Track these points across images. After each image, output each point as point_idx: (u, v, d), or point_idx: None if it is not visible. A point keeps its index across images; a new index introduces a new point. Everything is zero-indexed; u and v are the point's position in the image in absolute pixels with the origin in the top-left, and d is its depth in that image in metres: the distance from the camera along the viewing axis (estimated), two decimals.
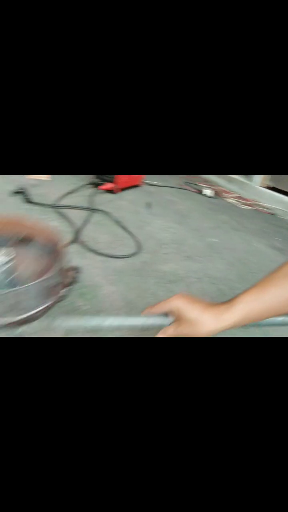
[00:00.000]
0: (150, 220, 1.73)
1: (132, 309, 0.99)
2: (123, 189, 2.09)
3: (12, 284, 0.38)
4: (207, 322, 0.38)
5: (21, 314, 0.35)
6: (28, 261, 0.49)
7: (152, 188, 2.37)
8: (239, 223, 2.09)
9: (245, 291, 0.39)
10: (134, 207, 1.88)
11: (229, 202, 2.59)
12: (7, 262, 0.36)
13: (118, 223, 1.55)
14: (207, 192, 2.59)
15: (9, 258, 0.36)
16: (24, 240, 0.50)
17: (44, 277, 0.35)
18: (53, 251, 0.50)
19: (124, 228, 1.51)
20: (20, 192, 1.59)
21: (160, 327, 0.43)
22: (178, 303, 0.41)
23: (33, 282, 0.34)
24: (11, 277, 0.38)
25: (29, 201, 1.55)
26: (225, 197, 2.68)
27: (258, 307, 0.37)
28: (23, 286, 0.32)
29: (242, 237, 1.84)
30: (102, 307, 0.96)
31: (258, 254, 1.65)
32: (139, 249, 1.35)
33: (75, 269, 1.10)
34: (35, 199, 1.57)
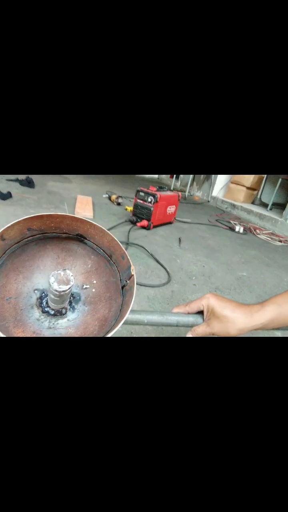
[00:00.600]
0: (181, 253, 1.86)
1: (160, 334, 1.07)
2: (156, 226, 2.28)
3: (67, 299, 0.40)
4: (239, 320, 0.38)
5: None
6: (84, 257, 0.47)
7: (183, 225, 2.53)
8: (270, 259, 2.11)
9: (278, 294, 0.39)
10: (166, 242, 2.03)
11: (260, 239, 2.63)
12: (68, 289, 0.35)
13: (151, 255, 1.69)
14: (238, 228, 2.67)
15: (68, 286, 0.35)
16: (78, 237, 0.47)
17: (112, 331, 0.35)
18: (115, 259, 0.46)
19: (156, 260, 1.65)
20: None
21: (192, 326, 0.43)
22: (210, 301, 0.41)
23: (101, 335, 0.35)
24: (67, 297, 0.39)
25: None
26: (257, 234, 2.73)
27: None
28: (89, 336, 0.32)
29: (272, 272, 1.86)
30: (134, 330, 1.06)
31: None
32: (169, 279, 1.46)
33: None
34: None
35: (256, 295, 1.50)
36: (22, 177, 2.70)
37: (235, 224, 2.81)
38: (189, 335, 0.43)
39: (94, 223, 0.45)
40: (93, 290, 0.46)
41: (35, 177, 2.83)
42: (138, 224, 2.13)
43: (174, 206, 2.42)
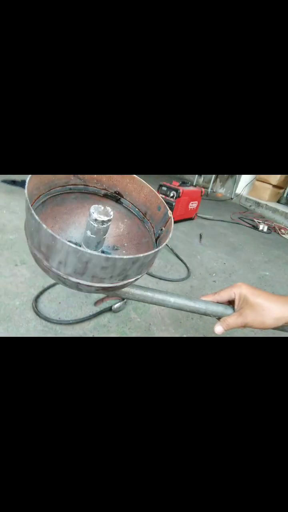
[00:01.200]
0: (202, 250, 1.83)
1: (178, 327, 1.07)
2: (177, 221, 2.26)
3: (100, 245, 0.38)
4: (275, 309, 0.35)
5: (124, 280, 0.34)
6: (117, 221, 0.47)
7: (205, 222, 2.49)
8: None
9: None
10: (187, 237, 2.01)
11: (285, 238, 2.54)
12: (105, 222, 0.34)
13: (171, 250, 1.69)
14: (262, 227, 2.59)
15: (108, 218, 0.34)
16: (115, 195, 0.46)
17: (156, 250, 0.33)
18: (150, 215, 0.45)
19: (176, 255, 1.64)
20: None
21: (221, 315, 0.41)
22: (242, 290, 0.39)
23: (147, 253, 0.31)
24: (103, 237, 0.37)
25: None
26: (282, 234, 2.63)
27: None
28: (135, 256, 0.29)
29: None
30: (152, 321, 1.07)
31: None
32: (189, 275, 1.45)
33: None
34: None
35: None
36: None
37: (258, 222, 2.73)
38: (218, 328, 0.40)
39: (135, 176, 0.46)
40: (124, 252, 0.47)
41: None
42: None
43: (196, 202, 2.39)
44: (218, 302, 0.42)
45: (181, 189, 2.12)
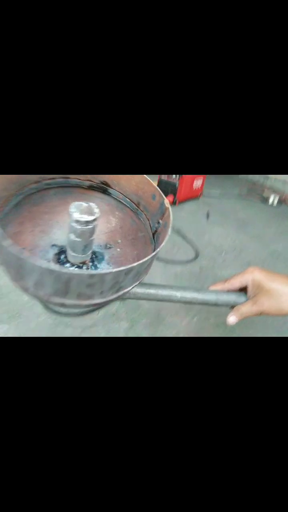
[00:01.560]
0: (209, 228, 1.78)
1: (189, 310, 1.05)
2: (183, 202, 2.19)
3: (89, 248, 0.33)
4: None
5: (118, 292, 0.30)
6: (107, 215, 0.42)
7: (212, 200, 2.41)
8: None
9: None
10: (193, 217, 1.95)
11: None
12: (89, 222, 0.30)
13: (178, 232, 1.64)
14: (272, 199, 2.48)
15: (92, 217, 0.29)
16: (102, 186, 0.41)
17: (153, 254, 0.29)
18: (144, 205, 0.40)
19: (183, 236, 1.60)
20: None
21: (234, 305, 0.39)
22: (255, 275, 0.36)
23: (142, 261, 0.27)
24: (90, 239, 0.32)
25: None
26: None
27: None
28: (127, 267, 0.26)
29: None
30: (161, 307, 1.06)
31: None
32: (197, 255, 1.41)
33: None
34: None
35: None
36: None
37: (268, 196, 2.62)
38: (231, 318, 0.37)
39: None
40: (118, 249, 0.42)
41: None
42: None
43: (201, 179, 2.30)
44: (229, 291, 0.39)
45: None
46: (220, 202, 2.35)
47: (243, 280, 0.37)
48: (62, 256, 0.37)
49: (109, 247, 0.42)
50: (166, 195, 2.10)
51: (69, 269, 0.25)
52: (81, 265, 0.37)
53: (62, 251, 0.38)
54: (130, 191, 0.42)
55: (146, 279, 0.39)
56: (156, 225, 0.39)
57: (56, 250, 0.38)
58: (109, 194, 0.43)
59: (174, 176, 2.05)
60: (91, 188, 0.42)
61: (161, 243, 0.33)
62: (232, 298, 0.38)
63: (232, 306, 0.39)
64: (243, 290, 0.39)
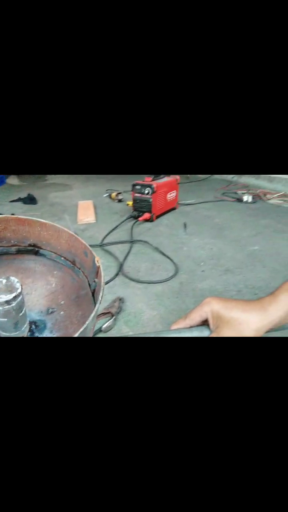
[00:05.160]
0: (187, 240, 1.82)
1: None
2: (160, 215, 2.24)
3: (22, 323, 0.32)
4: (252, 319, 0.33)
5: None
6: (45, 276, 0.40)
7: (187, 208, 2.46)
8: (284, 224, 1.99)
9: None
10: (171, 230, 1.99)
11: (271, 204, 2.49)
12: (10, 301, 0.28)
13: (156, 249, 1.68)
14: (246, 198, 2.54)
15: (14, 294, 0.28)
16: (32, 248, 0.39)
17: (84, 325, 0.28)
18: (80, 263, 0.39)
19: (162, 253, 1.63)
20: None
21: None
22: (213, 306, 0.35)
23: (80, 330, 0.26)
24: (19, 316, 0.30)
25: None
26: (267, 199, 2.58)
27: None
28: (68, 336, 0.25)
29: (286, 238, 1.76)
30: (145, 331, 1.08)
31: None
32: (176, 271, 1.44)
33: (120, 300, 1.26)
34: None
35: (270, 270, 1.43)
36: (23, 195, 2.77)
37: (242, 194, 2.68)
38: None
39: (44, 221, 0.40)
40: (62, 312, 0.40)
41: (36, 192, 2.89)
42: (140, 218, 2.11)
43: (175, 191, 2.36)
44: (191, 327, 0.39)
45: (155, 184, 2.09)
46: (196, 210, 2.41)
47: (202, 313, 0.37)
48: None
49: (52, 311, 0.40)
50: (143, 213, 2.13)
51: None
52: None
53: None
54: (62, 250, 0.42)
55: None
56: (94, 283, 0.38)
57: None
58: (42, 255, 0.42)
59: (146, 192, 2.10)
60: (20, 252, 0.41)
61: (97, 301, 0.33)
62: (195, 334, 0.38)
63: None
64: (205, 322, 0.39)
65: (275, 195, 2.61)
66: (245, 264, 1.50)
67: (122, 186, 3.10)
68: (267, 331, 0.34)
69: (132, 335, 0.37)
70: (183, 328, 0.39)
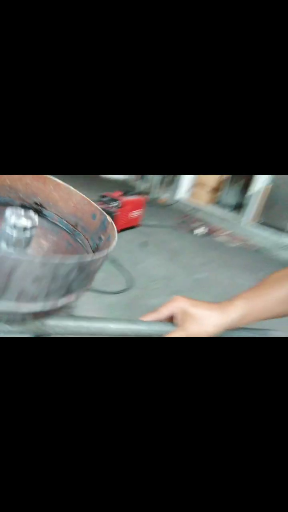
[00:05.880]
0: (145, 258, 1.92)
1: None
2: (122, 230, 2.32)
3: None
4: (213, 317, 0.38)
5: (64, 296, 0.27)
6: (39, 239, 0.40)
7: (148, 229, 2.60)
8: (227, 260, 2.26)
9: (245, 290, 0.40)
10: (130, 246, 2.09)
11: (220, 240, 2.79)
12: (27, 229, 0.28)
13: (113, 261, 1.74)
14: (200, 230, 2.81)
15: (32, 224, 0.28)
16: (36, 207, 0.39)
17: (106, 252, 0.27)
18: (83, 226, 0.39)
19: (118, 266, 1.69)
20: None
21: (165, 333, 0.42)
22: (180, 304, 0.40)
23: (98, 257, 0.25)
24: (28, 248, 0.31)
25: None
26: (217, 235, 2.89)
27: (261, 304, 0.39)
28: (87, 259, 0.23)
29: (228, 272, 2.00)
30: None
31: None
32: (130, 285, 1.52)
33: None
34: None
35: (211, 296, 1.61)
36: None
37: (196, 226, 2.95)
38: None
39: (60, 182, 0.40)
40: None
41: None
42: None
43: (139, 210, 2.48)
44: (159, 320, 0.43)
45: (122, 199, 2.19)
46: (156, 232, 2.56)
47: (170, 308, 0.41)
48: None
49: None
50: None
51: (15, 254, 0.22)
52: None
53: None
54: (68, 212, 0.41)
55: (78, 311, 0.41)
56: (97, 241, 0.39)
57: None
58: (43, 216, 0.41)
59: (112, 205, 2.17)
60: (23, 207, 0.40)
61: (108, 249, 0.32)
62: (162, 327, 0.42)
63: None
64: (171, 318, 0.43)
65: (223, 233, 2.94)
66: (191, 289, 1.65)
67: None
68: (225, 329, 0.40)
69: (103, 323, 0.38)
70: (152, 321, 0.44)
